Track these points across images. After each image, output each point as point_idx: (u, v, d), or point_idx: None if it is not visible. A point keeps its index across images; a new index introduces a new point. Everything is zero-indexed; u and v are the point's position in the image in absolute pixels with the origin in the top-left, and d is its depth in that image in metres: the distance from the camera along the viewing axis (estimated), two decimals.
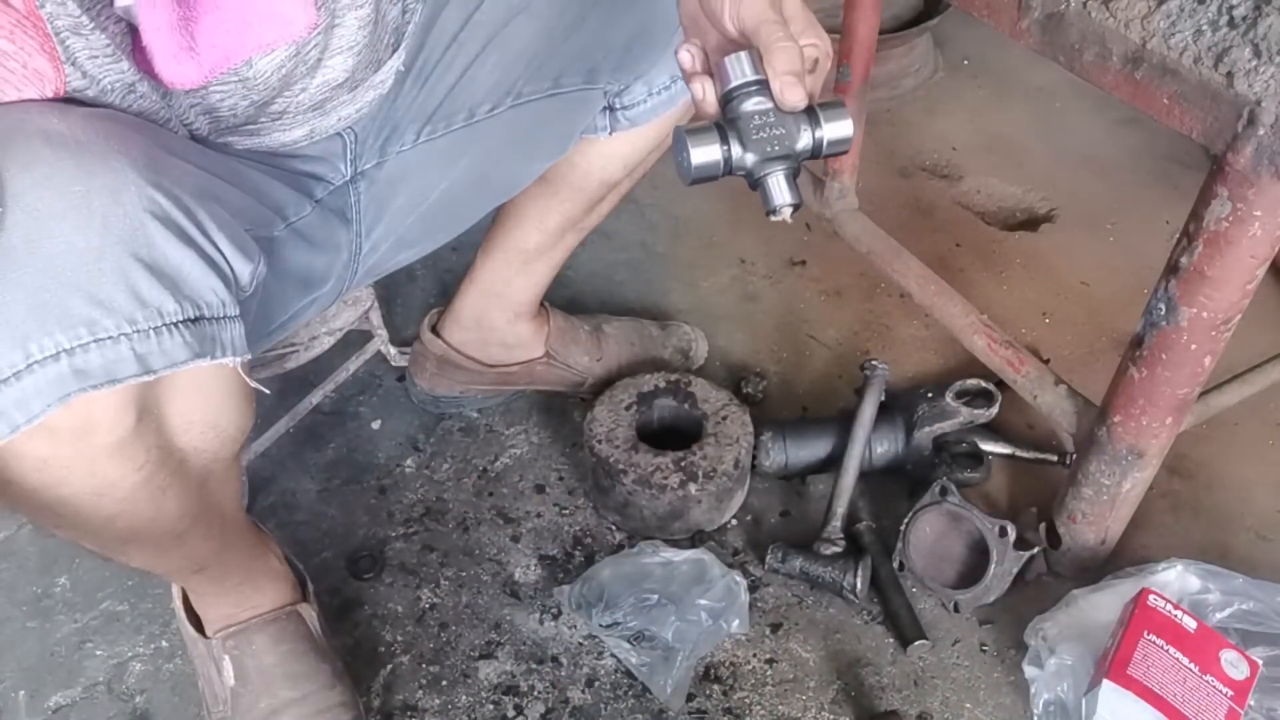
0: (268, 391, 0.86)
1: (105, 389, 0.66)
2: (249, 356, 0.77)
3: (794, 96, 0.72)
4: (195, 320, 0.71)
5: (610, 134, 1.17)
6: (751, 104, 0.74)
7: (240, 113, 0.84)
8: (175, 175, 0.71)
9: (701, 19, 0.79)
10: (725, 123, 0.74)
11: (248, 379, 0.80)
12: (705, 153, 0.72)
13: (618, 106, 1.15)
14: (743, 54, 0.74)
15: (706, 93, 0.76)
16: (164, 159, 0.72)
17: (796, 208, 0.74)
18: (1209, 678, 1.00)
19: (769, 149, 0.73)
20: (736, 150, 0.73)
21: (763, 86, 0.74)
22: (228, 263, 0.74)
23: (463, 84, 1.03)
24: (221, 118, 0.84)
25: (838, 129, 0.75)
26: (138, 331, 0.67)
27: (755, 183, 0.74)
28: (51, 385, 0.65)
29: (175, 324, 0.69)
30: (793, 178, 0.74)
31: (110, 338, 0.66)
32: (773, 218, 0.74)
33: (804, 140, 0.75)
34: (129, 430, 0.72)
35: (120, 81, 0.74)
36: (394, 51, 0.94)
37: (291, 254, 0.93)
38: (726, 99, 0.75)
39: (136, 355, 0.67)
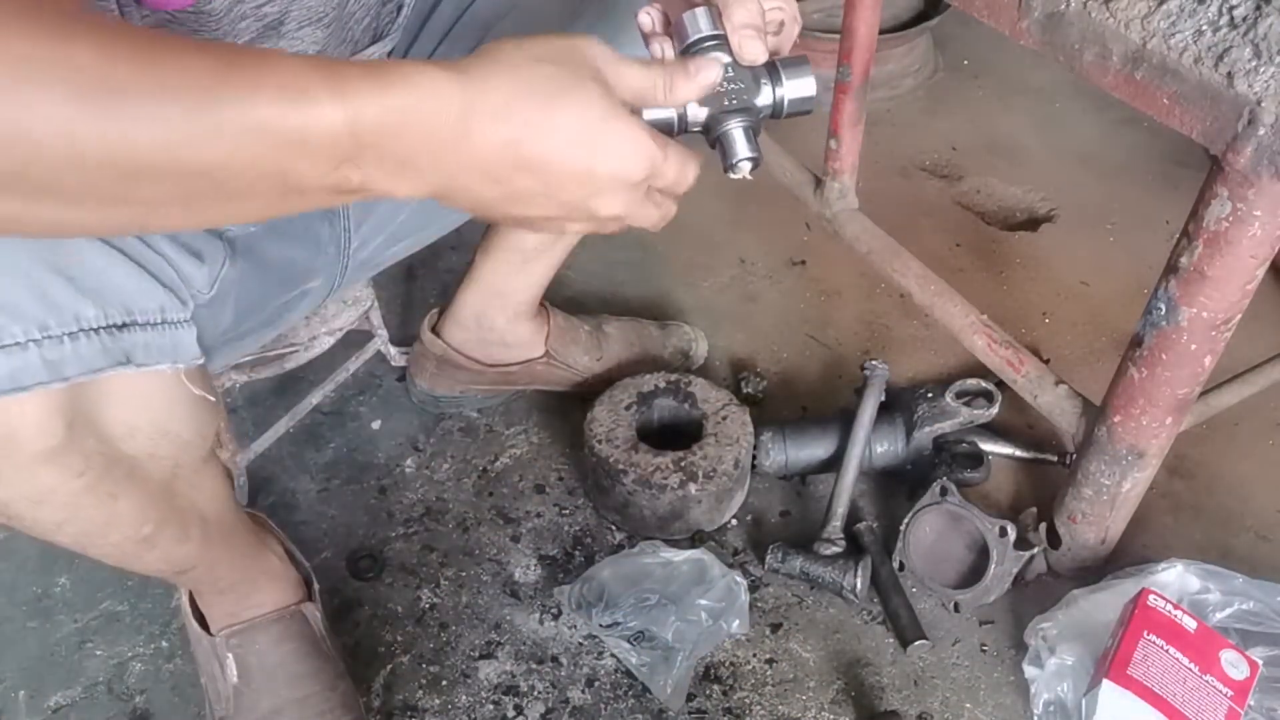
0: (212, 399, 0.84)
1: (13, 395, 0.65)
2: (198, 362, 0.76)
3: (751, 51, 0.71)
4: (122, 326, 0.69)
5: None
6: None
7: None
8: None
9: None
10: None
11: (191, 386, 0.78)
12: (658, 111, 0.69)
13: None
14: (699, 9, 0.72)
15: (665, 52, 0.74)
16: None
17: (756, 163, 0.72)
18: (1209, 678, 1.00)
19: (726, 103, 0.71)
20: (691, 105, 0.70)
21: (721, 42, 0.72)
22: (171, 267, 0.73)
23: None
24: None
25: (799, 87, 0.73)
26: (49, 338, 0.65)
27: (713, 139, 0.72)
28: None
29: (94, 330, 0.67)
30: (753, 134, 0.72)
31: (17, 344, 0.64)
32: (731, 175, 0.72)
33: (764, 96, 0.73)
34: (59, 438, 0.70)
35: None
36: (374, 38, 0.93)
37: (267, 249, 0.91)
38: (689, 49, 0.73)
39: (46, 362, 0.65)
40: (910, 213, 1.80)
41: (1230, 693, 1.00)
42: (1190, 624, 1.03)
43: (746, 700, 1.15)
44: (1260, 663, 1.03)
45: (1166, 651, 1.01)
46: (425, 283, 1.67)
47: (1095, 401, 1.13)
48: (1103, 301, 1.63)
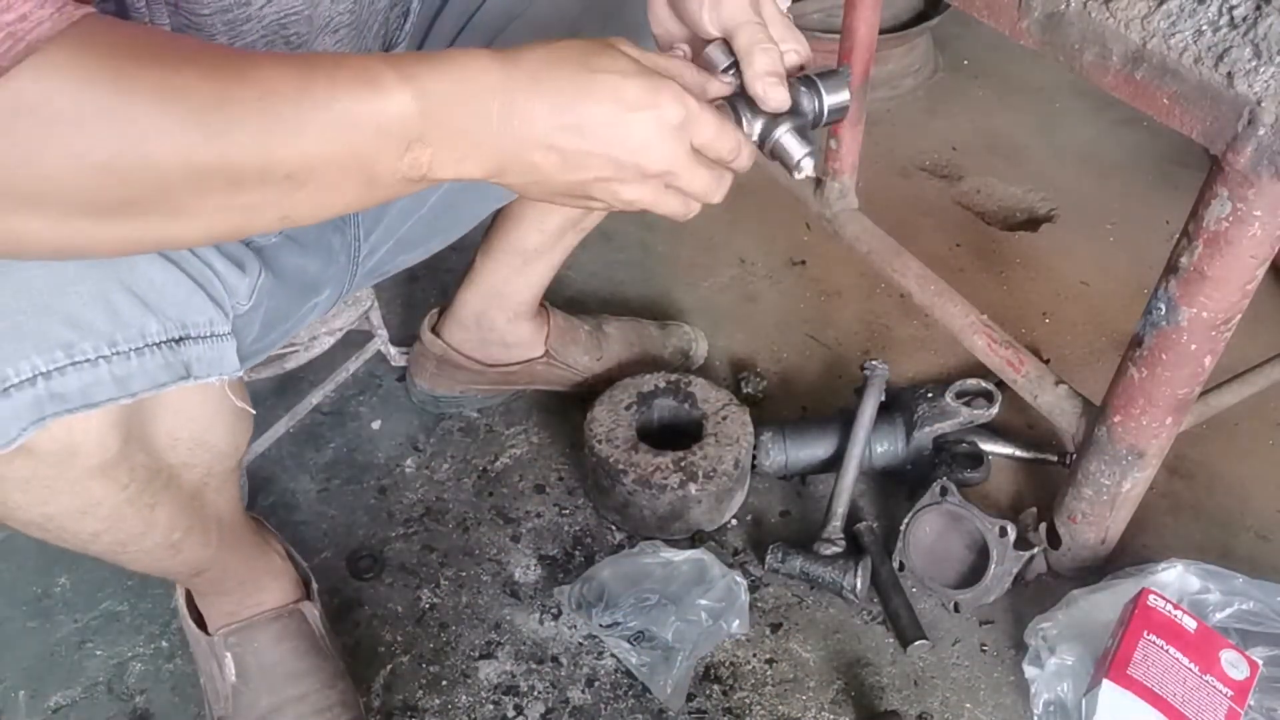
0: (253, 412, 0.85)
1: (83, 412, 0.66)
2: (239, 374, 0.77)
3: (776, 98, 0.73)
4: (179, 340, 0.70)
5: None
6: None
7: None
8: None
9: (673, 24, 0.79)
10: (725, 101, 0.76)
11: (234, 398, 0.80)
12: None
13: None
14: (713, 45, 0.76)
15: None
16: None
17: (814, 156, 0.76)
18: (1209, 678, 1.00)
19: (770, 115, 0.75)
20: (746, 118, 0.75)
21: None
22: (219, 279, 0.74)
23: None
24: None
25: (837, 96, 0.78)
26: (117, 354, 0.66)
27: (771, 146, 0.76)
28: (28, 408, 0.64)
29: (157, 345, 0.68)
30: (804, 131, 0.76)
31: (88, 360, 0.65)
32: (797, 175, 0.76)
33: (806, 103, 0.77)
34: (115, 452, 0.72)
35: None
36: (384, 45, 0.94)
37: (286, 259, 0.92)
38: None
39: (115, 378, 0.66)
40: (910, 213, 1.80)
41: (1230, 693, 1.00)
42: (1190, 624, 1.03)
43: (746, 700, 1.15)
44: (1260, 663, 1.03)
45: (1166, 651, 1.01)
46: (425, 283, 1.67)
47: (1095, 401, 1.13)
48: (1103, 301, 1.63)
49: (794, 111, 0.76)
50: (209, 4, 0.73)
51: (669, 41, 0.81)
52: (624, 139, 0.65)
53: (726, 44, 0.75)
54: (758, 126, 0.75)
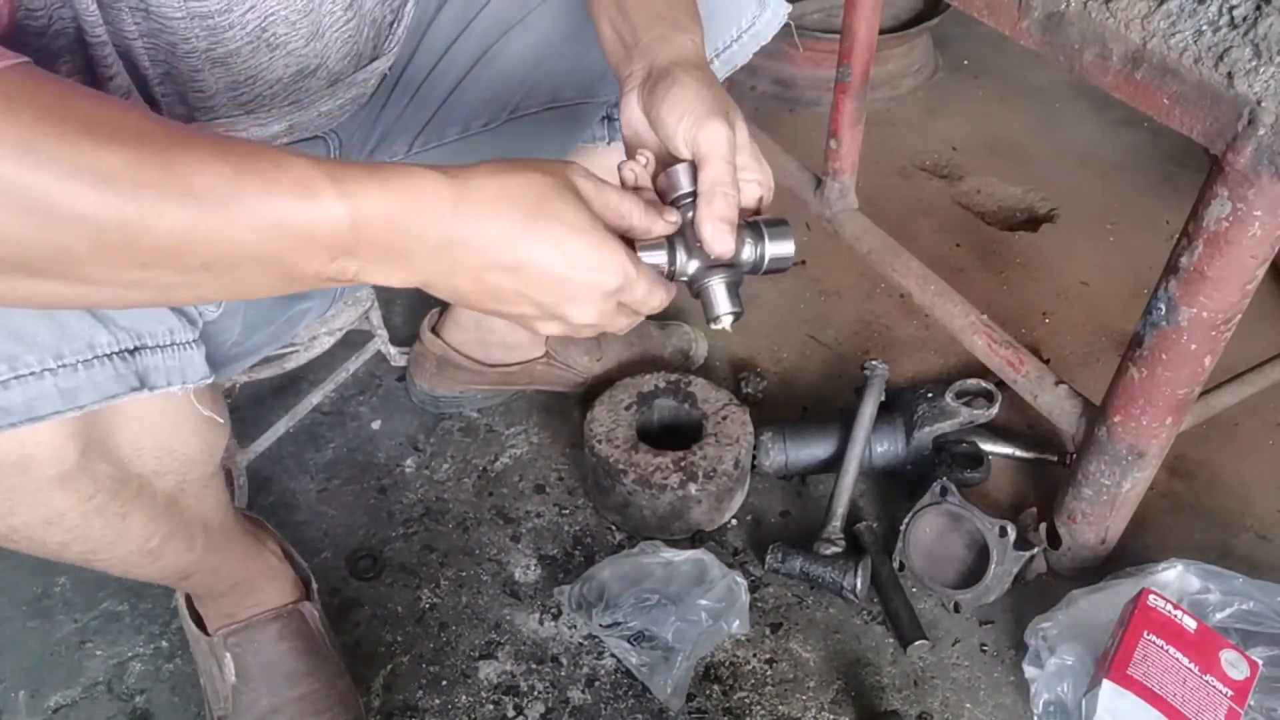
0: (221, 421, 0.84)
1: (27, 426, 0.65)
2: (207, 381, 0.76)
3: (721, 244, 0.73)
4: (133, 351, 0.69)
5: (608, 144, 1.16)
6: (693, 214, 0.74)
7: (210, 86, 0.81)
8: None
9: (644, 130, 0.79)
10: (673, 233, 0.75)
11: (199, 406, 0.79)
12: (653, 257, 0.72)
13: (615, 117, 1.14)
14: (680, 167, 0.75)
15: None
16: None
17: (738, 316, 0.75)
18: (1209, 678, 1.00)
19: (711, 258, 0.74)
20: (680, 257, 0.73)
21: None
22: None
23: (456, 96, 1.02)
24: (195, 89, 0.81)
25: (780, 247, 0.76)
26: (63, 366, 0.65)
27: (697, 291, 0.75)
28: None
29: (108, 356, 0.68)
30: (734, 288, 0.75)
31: (32, 373, 0.64)
32: (713, 325, 0.76)
33: (746, 253, 0.76)
34: (72, 464, 0.71)
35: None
36: (375, 50, 0.93)
37: None
38: (673, 204, 0.76)
39: (61, 391, 0.65)
40: (910, 213, 1.80)
41: (1230, 693, 1.00)
42: (1190, 624, 1.03)
43: (746, 700, 1.15)
44: (1260, 663, 1.03)
45: (1166, 651, 1.01)
46: None
47: (1095, 401, 1.13)
48: (1103, 301, 1.63)
49: (730, 264, 0.74)
50: (179, 7, 0.72)
51: (636, 145, 0.80)
52: (557, 293, 0.65)
53: (694, 168, 0.74)
54: (691, 267, 0.74)
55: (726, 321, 0.75)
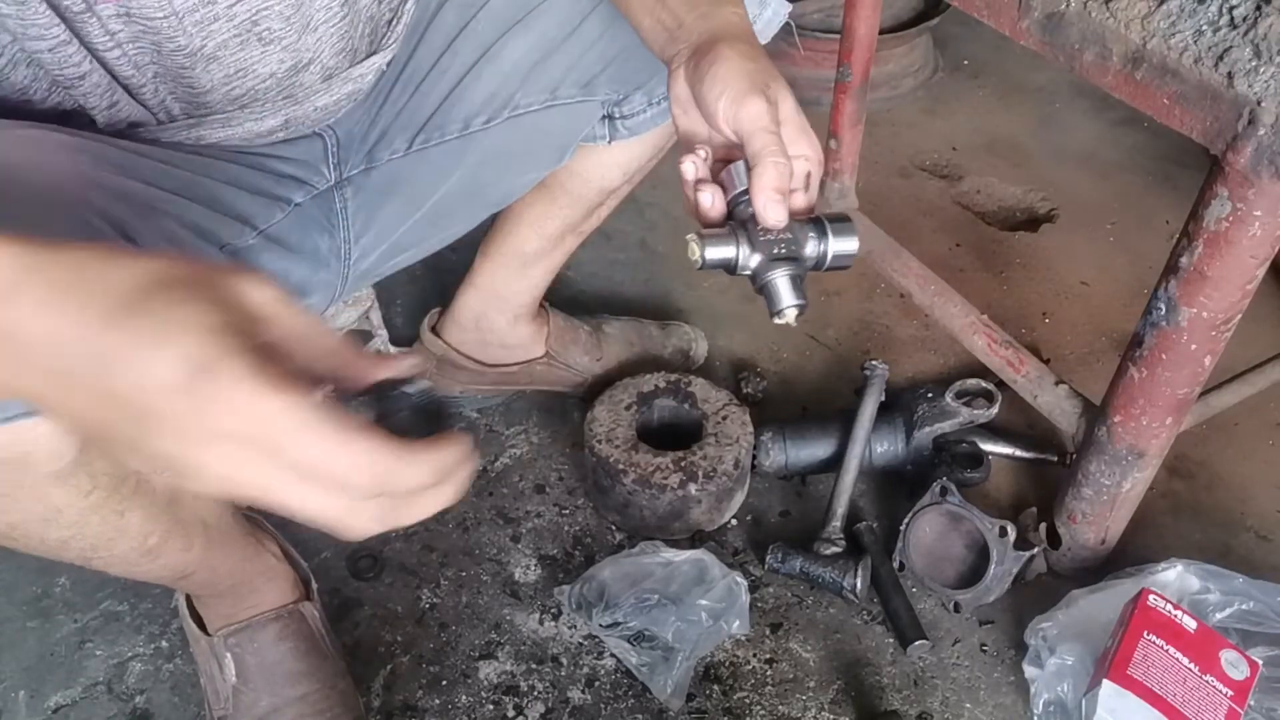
0: None
1: (24, 421, 0.64)
2: None
3: (774, 215, 0.72)
4: None
5: (610, 142, 1.16)
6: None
7: (203, 83, 0.81)
8: (109, 196, 0.69)
9: (693, 110, 0.78)
10: (735, 225, 0.74)
11: None
12: (719, 251, 0.72)
13: (617, 115, 1.14)
14: (740, 163, 0.74)
15: (716, 202, 0.75)
16: (102, 177, 0.70)
17: (802, 310, 0.74)
18: (1209, 678, 1.00)
19: (775, 250, 0.73)
20: (744, 251, 0.73)
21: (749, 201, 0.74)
22: None
23: (456, 94, 1.02)
24: (188, 86, 0.81)
25: (844, 244, 0.75)
26: None
27: (761, 285, 0.74)
28: None
29: None
30: (798, 281, 0.74)
31: None
32: (777, 320, 0.74)
33: (810, 248, 0.75)
34: (70, 460, 0.71)
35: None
36: (371, 46, 0.93)
37: (267, 262, 0.91)
38: (734, 203, 0.75)
39: None
40: (910, 213, 1.80)
41: (1230, 693, 1.00)
42: (1190, 624, 1.03)
43: (746, 700, 1.15)
44: (1260, 663, 1.03)
45: (1166, 651, 1.01)
46: (425, 283, 1.67)
47: (1095, 401, 1.13)
48: (1103, 301, 1.63)
49: (793, 258, 0.73)
50: (160, 7, 0.72)
51: (683, 125, 0.79)
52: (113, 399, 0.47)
53: (748, 166, 0.73)
54: (754, 261, 0.73)
55: (791, 315, 0.74)
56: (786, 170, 0.72)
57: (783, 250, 0.73)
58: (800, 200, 0.77)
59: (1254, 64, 0.78)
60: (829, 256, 0.75)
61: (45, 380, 0.47)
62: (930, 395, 1.33)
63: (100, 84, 0.76)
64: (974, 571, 1.20)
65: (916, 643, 1.17)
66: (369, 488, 0.48)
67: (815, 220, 0.76)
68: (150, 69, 0.77)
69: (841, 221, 0.76)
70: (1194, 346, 0.97)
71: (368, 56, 0.92)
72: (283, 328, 0.51)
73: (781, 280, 0.73)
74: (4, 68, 0.73)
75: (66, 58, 0.73)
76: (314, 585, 1.13)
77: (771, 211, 0.71)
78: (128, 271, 0.47)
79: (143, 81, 0.78)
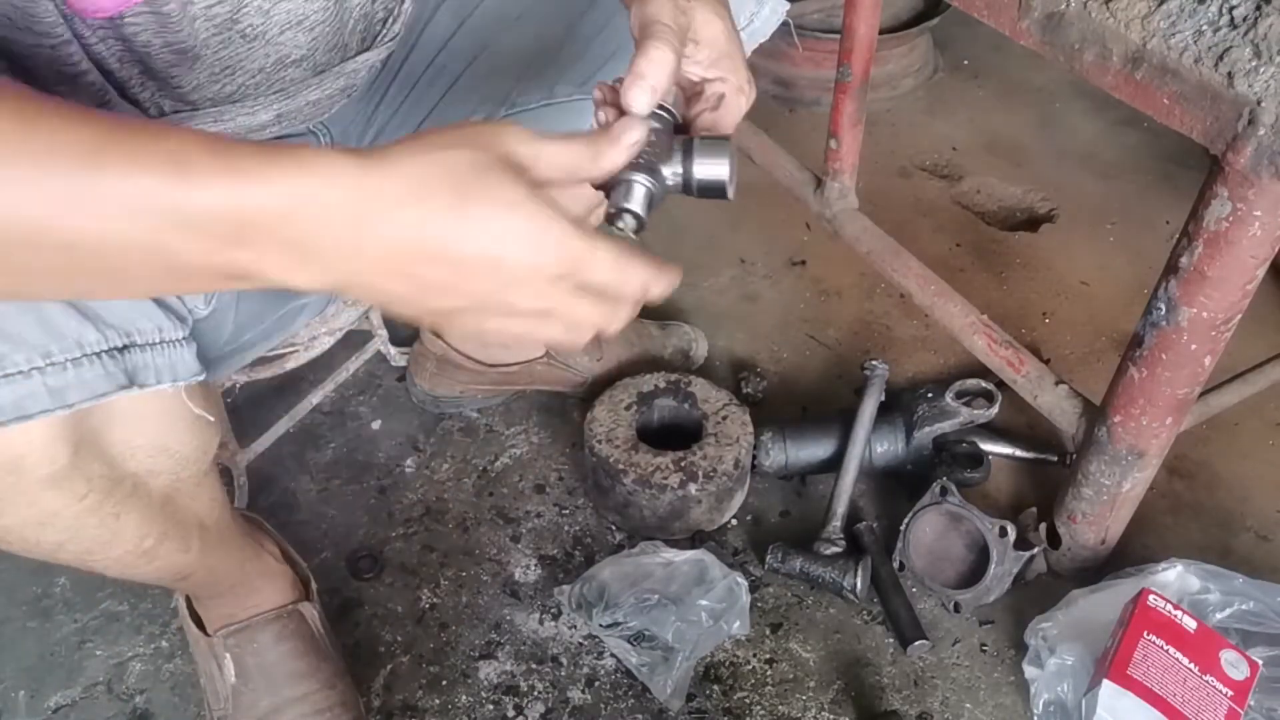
0: (212, 419, 0.84)
1: (16, 425, 0.64)
2: (199, 378, 0.75)
3: (634, 98, 0.66)
4: (123, 349, 0.69)
5: None
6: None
7: (189, 80, 0.81)
8: None
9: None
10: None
11: (190, 404, 0.78)
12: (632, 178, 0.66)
13: None
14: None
15: (608, 119, 0.70)
16: None
17: (639, 222, 0.66)
18: (1209, 678, 1.00)
19: (638, 159, 0.66)
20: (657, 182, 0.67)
21: (665, 112, 0.70)
22: None
23: (454, 93, 1.02)
24: (175, 83, 0.81)
25: (710, 167, 0.68)
26: (52, 364, 0.65)
27: (610, 184, 0.67)
28: None
29: (96, 354, 0.67)
30: (647, 194, 0.66)
31: (20, 373, 0.63)
32: (613, 226, 0.66)
33: (673, 165, 0.68)
34: (64, 463, 0.70)
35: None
36: (363, 42, 0.93)
37: None
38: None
39: (49, 389, 0.65)
40: (910, 213, 1.80)
41: (1230, 693, 1.00)
42: (1190, 624, 1.03)
43: (746, 700, 1.15)
44: (1260, 663, 1.03)
45: (1166, 651, 1.01)
46: None
47: (1095, 401, 1.13)
48: (1103, 301, 1.63)
49: (652, 169, 0.66)
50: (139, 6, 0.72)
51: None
52: (491, 278, 0.56)
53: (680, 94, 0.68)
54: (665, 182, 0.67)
55: (628, 222, 0.66)
56: (667, 60, 0.67)
57: (642, 160, 0.66)
58: (706, 120, 0.74)
59: (1254, 64, 0.78)
60: (694, 180, 0.68)
61: (388, 271, 0.55)
62: (930, 395, 1.33)
63: (95, 83, 0.76)
64: (974, 571, 1.20)
65: (916, 643, 1.17)
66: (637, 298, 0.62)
67: (687, 140, 0.69)
68: (136, 65, 0.77)
69: (714, 142, 0.69)
70: (1194, 346, 0.97)
71: (360, 52, 0.92)
72: (550, 164, 0.60)
73: (634, 185, 0.66)
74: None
75: (67, 56, 0.73)
76: (314, 585, 1.13)
77: (631, 94, 0.66)
78: (454, 161, 0.55)
79: (129, 77, 0.78)
